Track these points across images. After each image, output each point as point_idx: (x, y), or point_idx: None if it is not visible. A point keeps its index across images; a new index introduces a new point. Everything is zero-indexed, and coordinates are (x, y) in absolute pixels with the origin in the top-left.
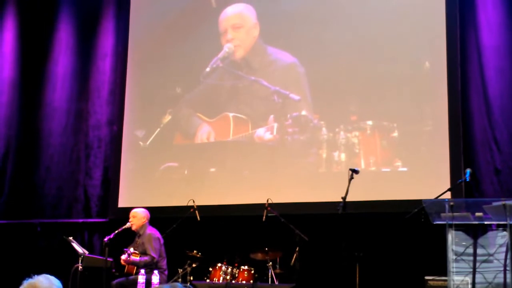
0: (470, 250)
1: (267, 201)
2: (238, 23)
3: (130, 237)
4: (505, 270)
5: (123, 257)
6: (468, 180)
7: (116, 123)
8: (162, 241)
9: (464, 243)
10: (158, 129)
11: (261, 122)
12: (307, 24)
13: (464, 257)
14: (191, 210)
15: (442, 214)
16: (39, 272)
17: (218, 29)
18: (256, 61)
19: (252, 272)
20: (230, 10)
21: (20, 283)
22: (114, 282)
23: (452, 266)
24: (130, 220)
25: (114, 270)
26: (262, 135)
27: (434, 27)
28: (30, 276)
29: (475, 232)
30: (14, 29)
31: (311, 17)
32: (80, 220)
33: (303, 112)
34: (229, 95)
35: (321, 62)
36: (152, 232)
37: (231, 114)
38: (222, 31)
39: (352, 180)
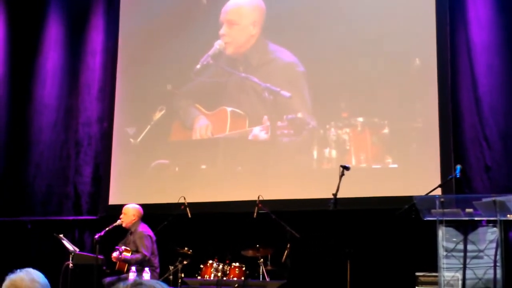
0: (461, 246)
1: (258, 198)
2: (234, 20)
3: (121, 234)
4: (495, 266)
5: (114, 254)
6: (458, 176)
7: (106, 120)
8: (154, 238)
9: (454, 239)
10: (149, 126)
11: (258, 119)
12: (302, 21)
13: (454, 253)
14: (182, 207)
15: (433, 211)
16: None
17: (209, 25)
18: (255, 57)
19: (243, 269)
20: (232, 3)
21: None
22: (106, 280)
23: (443, 262)
24: (120, 217)
25: (105, 268)
26: (258, 134)
27: (424, 24)
28: (13, 272)
29: (466, 228)
30: (4, 25)
31: (301, 15)
32: (71, 218)
33: (299, 115)
34: (225, 91)
35: (313, 59)
36: (144, 230)
37: (229, 109)
38: (220, 23)
39: (343, 176)
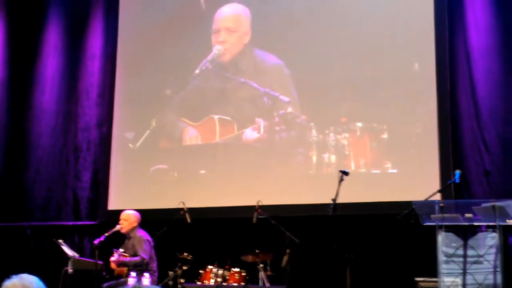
0: (460, 252)
1: (258, 203)
2: (233, 27)
3: (120, 239)
4: (495, 271)
5: (113, 258)
6: (457, 181)
7: (106, 125)
8: (152, 243)
9: (454, 245)
10: (148, 131)
11: (247, 123)
12: (296, 26)
13: (454, 258)
14: (181, 212)
15: (432, 216)
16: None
17: (208, 30)
18: (244, 63)
19: (243, 274)
20: (227, 10)
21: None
22: (105, 285)
23: (442, 267)
24: (120, 222)
25: (104, 273)
26: (250, 135)
27: (422, 29)
28: (9, 278)
29: (465, 233)
30: (2, 30)
31: (300, 19)
32: (70, 223)
33: (289, 109)
34: (215, 98)
35: (311, 64)
36: (142, 234)
37: (216, 117)
38: (215, 29)
39: (342, 181)
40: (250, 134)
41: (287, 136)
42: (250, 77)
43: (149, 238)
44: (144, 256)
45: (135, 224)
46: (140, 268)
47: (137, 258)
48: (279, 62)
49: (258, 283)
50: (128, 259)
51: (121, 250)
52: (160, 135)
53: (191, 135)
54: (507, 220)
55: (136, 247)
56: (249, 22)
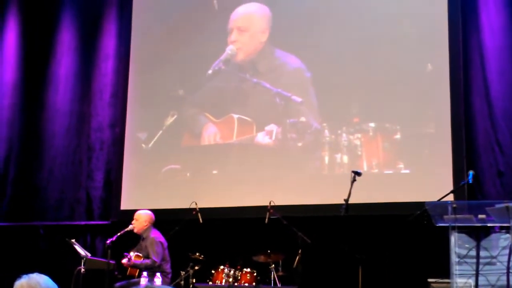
0: (473, 253)
1: (270, 203)
2: (244, 26)
3: (133, 239)
4: (508, 272)
5: (124, 261)
6: (471, 182)
7: (118, 125)
8: (165, 244)
9: (467, 246)
10: (161, 131)
11: (265, 125)
12: (310, 26)
13: (467, 260)
14: (194, 212)
15: (445, 216)
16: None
17: (221, 30)
18: (262, 63)
19: (255, 274)
20: (241, 10)
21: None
22: (117, 284)
23: (455, 268)
24: (132, 222)
25: (116, 273)
26: (262, 137)
27: (436, 30)
28: (20, 277)
29: (478, 234)
30: (17, 30)
31: (313, 19)
32: (83, 223)
33: (302, 119)
34: (235, 97)
35: (323, 64)
36: (155, 236)
37: (236, 116)
38: (229, 29)
39: (355, 182)
40: (262, 136)
41: (297, 144)
42: (269, 78)
43: (162, 239)
44: (156, 259)
45: (146, 224)
46: (152, 270)
47: (147, 261)
48: (299, 63)
49: (269, 284)
50: (139, 261)
51: (131, 253)
52: (179, 131)
53: (210, 132)
54: None
55: (148, 249)
56: (266, 20)
